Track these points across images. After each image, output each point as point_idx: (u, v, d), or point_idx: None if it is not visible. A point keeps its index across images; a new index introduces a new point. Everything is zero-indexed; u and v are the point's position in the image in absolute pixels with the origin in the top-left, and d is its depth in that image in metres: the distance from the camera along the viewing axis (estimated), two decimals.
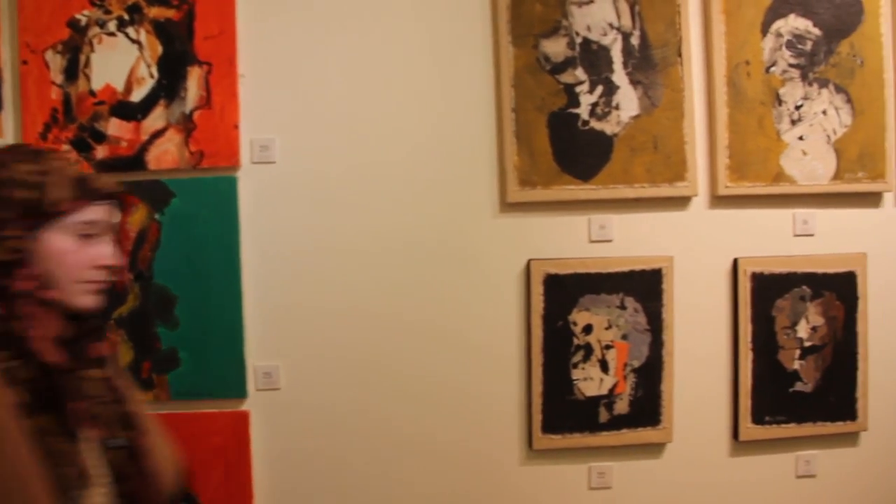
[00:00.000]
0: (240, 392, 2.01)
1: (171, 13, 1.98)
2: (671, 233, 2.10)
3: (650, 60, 2.05)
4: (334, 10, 2.01)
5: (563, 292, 2.03)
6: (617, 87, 2.04)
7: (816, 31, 2.14)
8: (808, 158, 2.12)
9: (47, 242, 1.23)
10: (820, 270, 2.14)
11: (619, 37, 2.05)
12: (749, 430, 2.13)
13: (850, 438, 2.22)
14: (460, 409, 2.05)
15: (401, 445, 2.04)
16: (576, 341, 2.04)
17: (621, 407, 2.07)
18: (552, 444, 2.06)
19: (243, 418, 2.01)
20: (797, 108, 2.12)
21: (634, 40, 2.05)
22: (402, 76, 2.02)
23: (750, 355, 2.11)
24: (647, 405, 2.08)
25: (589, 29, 2.04)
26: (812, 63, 2.13)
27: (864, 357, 2.18)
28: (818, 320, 2.14)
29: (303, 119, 2.01)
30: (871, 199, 2.20)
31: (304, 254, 2.01)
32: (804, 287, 2.13)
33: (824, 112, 2.13)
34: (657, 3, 2.07)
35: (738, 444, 2.15)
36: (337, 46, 2.01)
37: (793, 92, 2.12)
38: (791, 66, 2.12)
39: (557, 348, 2.04)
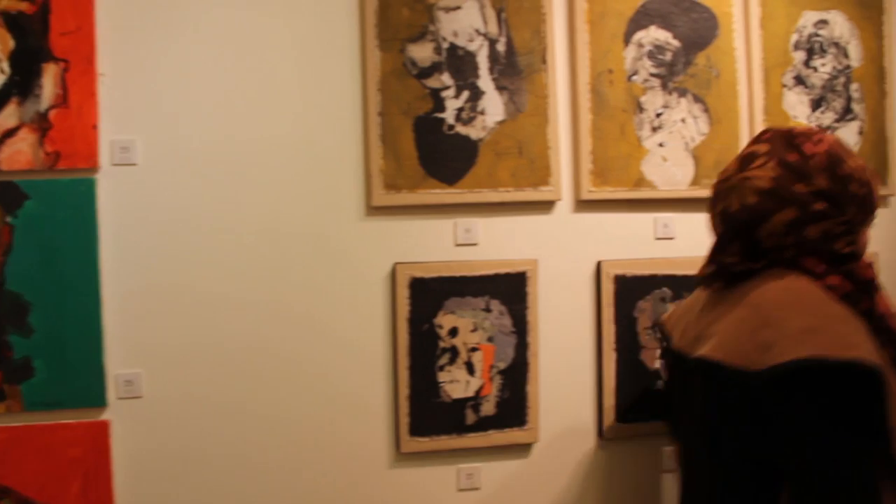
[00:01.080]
0: (99, 401, 1.93)
1: (23, 6, 1.88)
2: (536, 236, 2.12)
3: (516, 67, 2.07)
4: (198, 9, 1.95)
5: (428, 296, 2.02)
6: (483, 93, 2.05)
7: (676, 43, 2.19)
8: (668, 164, 2.18)
9: (864, 237, 1.41)
10: (680, 272, 2.20)
11: (486, 43, 2.06)
12: (613, 427, 2.17)
13: None
14: (328, 415, 2.03)
15: (268, 454, 2.00)
16: (441, 344, 2.04)
17: (488, 408, 2.08)
18: (420, 447, 2.05)
19: (103, 428, 1.94)
20: (657, 115, 2.17)
21: (500, 47, 2.06)
22: (268, 78, 1.98)
23: (613, 355, 2.15)
24: (512, 406, 2.09)
25: (456, 35, 2.04)
26: (672, 73, 2.19)
27: None
28: None
29: (166, 120, 1.95)
30: None
31: (166, 258, 1.95)
32: (665, 289, 2.19)
33: (683, 120, 2.19)
34: (523, 11, 2.08)
35: (604, 441, 2.19)
36: (201, 46, 1.96)
37: (653, 100, 2.17)
38: (652, 75, 2.17)
39: (423, 351, 2.03)
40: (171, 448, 1.96)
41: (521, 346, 2.08)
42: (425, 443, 2.05)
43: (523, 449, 2.14)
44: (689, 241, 2.24)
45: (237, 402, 1.98)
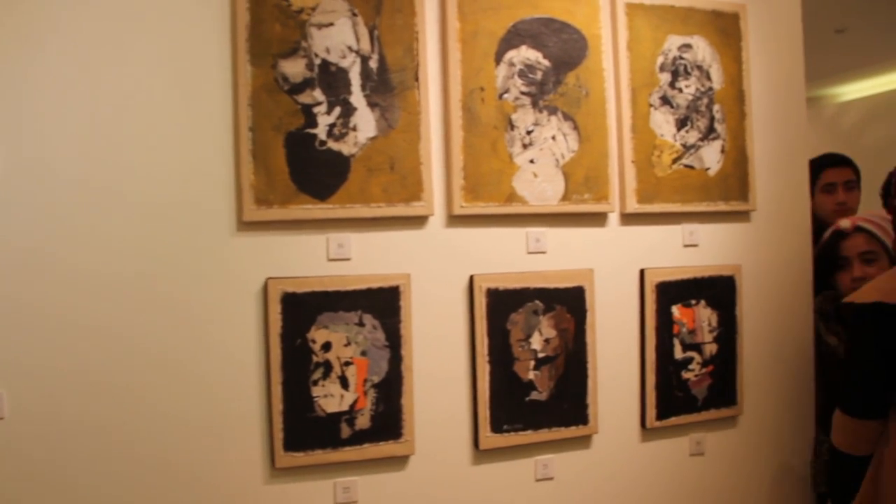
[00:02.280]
0: None
1: None
2: (409, 251, 2.15)
3: (388, 84, 2.10)
4: (64, 19, 1.91)
5: (301, 310, 2.03)
6: (355, 109, 2.07)
7: (546, 63, 2.27)
8: (539, 180, 2.24)
9: None
10: (551, 285, 2.27)
11: (358, 60, 2.08)
12: (489, 438, 2.22)
13: (584, 441, 2.37)
14: (200, 433, 2.00)
15: (139, 474, 1.96)
16: (315, 359, 2.04)
17: (363, 422, 2.09)
18: (295, 462, 2.05)
19: None
20: (528, 133, 2.24)
21: (373, 64, 2.09)
22: (137, 92, 1.96)
23: (487, 367, 2.20)
24: (388, 419, 2.11)
25: (328, 51, 2.06)
26: (542, 92, 2.26)
27: (594, 365, 2.33)
28: (550, 332, 2.27)
29: (27, 130, 1.89)
30: (597, 219, 2.36)
31: (29, 273, 1.89)
32: (537, 301, 2.25)
33: (553, 137, 2.26)
34: (396, 29, 2.12)
35: (480, 452, 2.23)
36: (65, 59, 1.92)
37: (524, 118, 2.23)
38: (523, 93, 2.24)
39: (297, 366, 2.03)
40: (34, 471, 1.90)
41: (395, 360, 2.11)
42: (300, 457, 2.05)
43: (400, 461, 2.17)
44: (560, 254, 2.32)
45: (106, 422, 1.94)
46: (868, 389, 1.72)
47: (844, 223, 2.46)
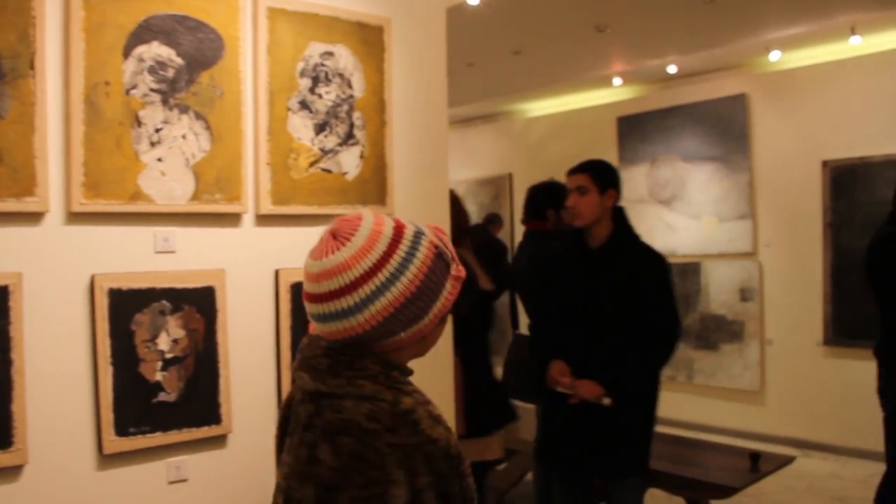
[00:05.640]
0: None
1: None
2: (21, 249, 2.23)
3: None
4: None
5: None
6: None
7: (179, 61, 2.46)
8: (167, 179, 2.43)
9: None
10: (180, 286, 2.46)
11: None
12: (113, 442, 2.35)
13: (218, 441, 2.58)
14: None
15: None
16: None
17: None
18: None
19: None
20: (157, 130, 2.41)
21: None
22: None
23: (110, 369, 2.34)
24: None
25: None
26: (174, 90, 2.44)
27: (226, 364, 2.56)
28: (179, 333, 2.45)
29: None
30: (231, 220, 2.60)
31: None
32: (164, 301, 2.43)
33: (184, 136, 2.46)
34: (8, 12, 2.19)
35: (104, 457, 2.36)
36: None
37: (153, 115, 2.41)
38: (152, 90, 2.41)
39: None
40: None
41: (4, 364, 2.18)
42: None
43: (12, 472, 2.23)
44: (190, 254, 2.52)
45: None
46: None
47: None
